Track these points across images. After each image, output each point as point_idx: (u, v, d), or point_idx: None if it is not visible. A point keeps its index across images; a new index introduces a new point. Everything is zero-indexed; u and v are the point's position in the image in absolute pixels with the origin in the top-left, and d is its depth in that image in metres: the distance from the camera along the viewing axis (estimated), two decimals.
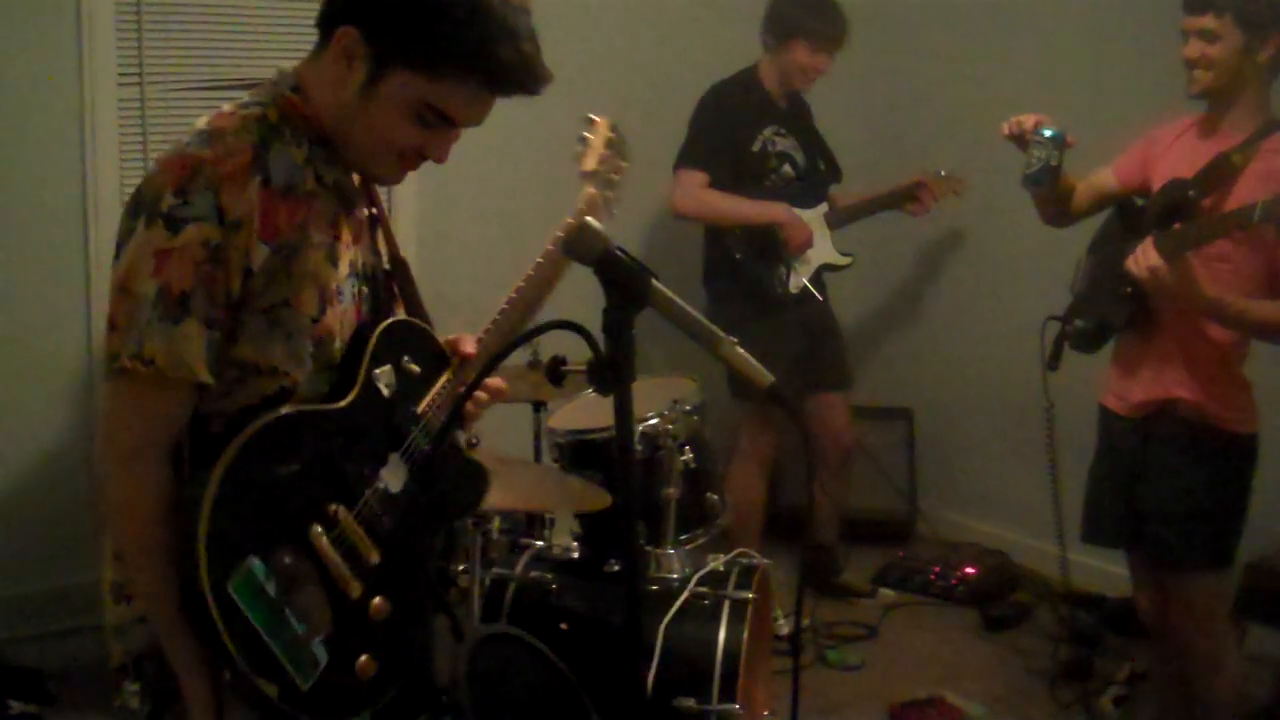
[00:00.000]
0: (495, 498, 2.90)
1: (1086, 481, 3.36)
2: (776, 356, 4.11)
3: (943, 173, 4.68)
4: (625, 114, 4.72)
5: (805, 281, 4.45)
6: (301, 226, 1.81)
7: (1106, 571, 4.20)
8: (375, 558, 1.84)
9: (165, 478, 1.76)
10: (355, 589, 1.80)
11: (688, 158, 4.34)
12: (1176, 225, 2.95)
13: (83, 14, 3.91)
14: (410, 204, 4.53)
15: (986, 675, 4.16)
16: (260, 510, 1.73)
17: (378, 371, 1.92)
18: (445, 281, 4.32)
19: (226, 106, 1.84)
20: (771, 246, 4.37)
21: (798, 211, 4.41)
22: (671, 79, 4.86)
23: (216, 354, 1.76)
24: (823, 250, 4.50)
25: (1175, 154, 3.14)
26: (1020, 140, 3.16)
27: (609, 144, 2.52)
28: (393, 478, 1.91)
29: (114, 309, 1.74)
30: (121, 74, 4.00)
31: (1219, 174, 2.96)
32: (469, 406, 2.05)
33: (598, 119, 2.56)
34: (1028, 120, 3.13)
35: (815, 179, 4.55)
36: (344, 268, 1.91)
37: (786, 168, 4.47)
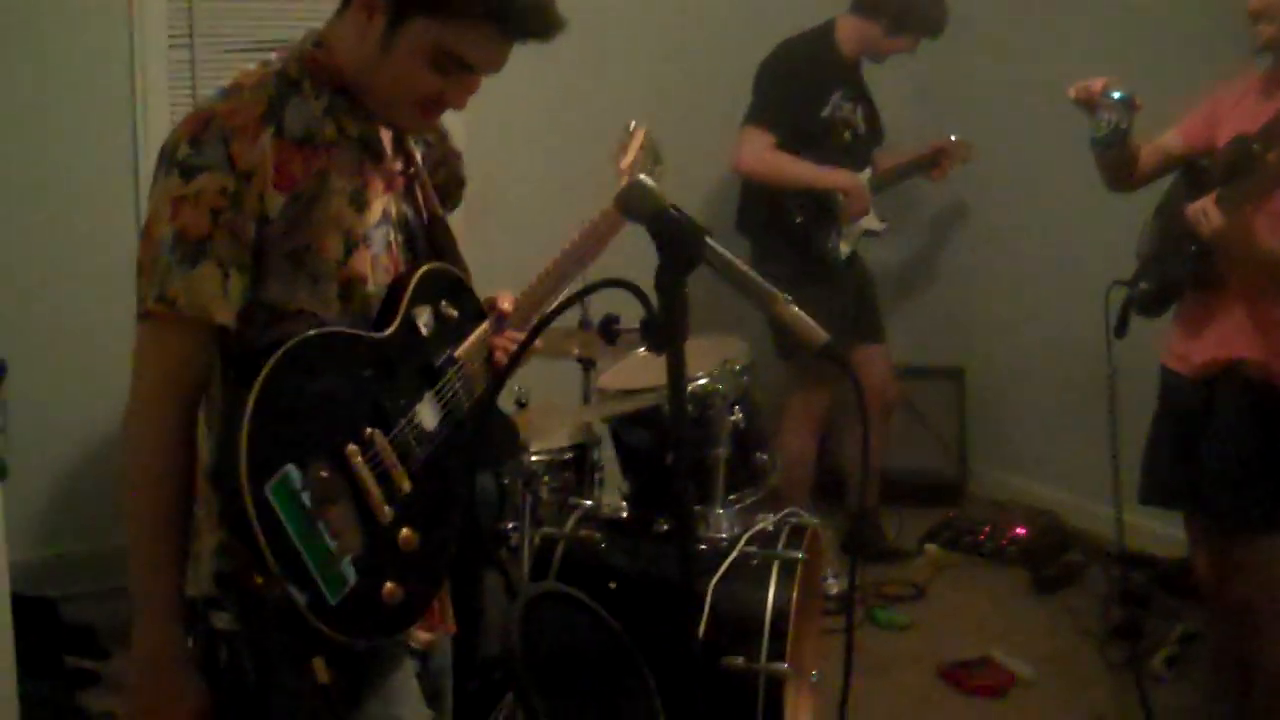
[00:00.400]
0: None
1: (1145, 442, 3.33)
2: (827, 316, 4.09)
3: (955, 137, 4.67)
4: (678, 66, 4.81)
5: (853, 246, 4.44)
6: (321, 174, 1.87)
7: (1158, 532, 4.18)
8: (407, 486, 1.87)
9: (180, 422, 1.82)
10: (386, 514, 1.83)
11: (757, 116, 4.31)
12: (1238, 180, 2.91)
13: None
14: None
15: (1036, 635, 4.15)
16: (299, 421, 1.77)
17: (416, 310, 1.96)
18: (491, 244, 4.33)
19: (253, 65, 1.90)
20: (828, 211, 4.35)
21: (860, 180, 4.39)
22: (728, 31, 4.83)
23: (243, 296, 1.82)
24: (869, 216, 4.48)
25: (1240, 112, 3.08)
26: (1089, 104, 3.11)
27: (644, 148, 2.53)
28: (426, 415, 1.94)
29: (140, 255, 1.81)
30: (173, 35, 4.02)
31: None
32: (499, 356, 2.09)
33: (634, 128, 2.57)
34: (1095, 84, 3.09)
35: (865, 143, 4.52)
36: (373, 214, 1.95)
37: (848, 133, 4.44)
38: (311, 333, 1.80)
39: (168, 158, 1.80)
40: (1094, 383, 3.74)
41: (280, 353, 1.74)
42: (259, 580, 1.72)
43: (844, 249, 4.41)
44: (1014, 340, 5.16)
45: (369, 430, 1.83)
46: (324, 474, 1.76)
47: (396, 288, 1.96)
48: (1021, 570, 4.58)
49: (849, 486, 4.75)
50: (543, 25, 1.86)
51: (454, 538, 1.99)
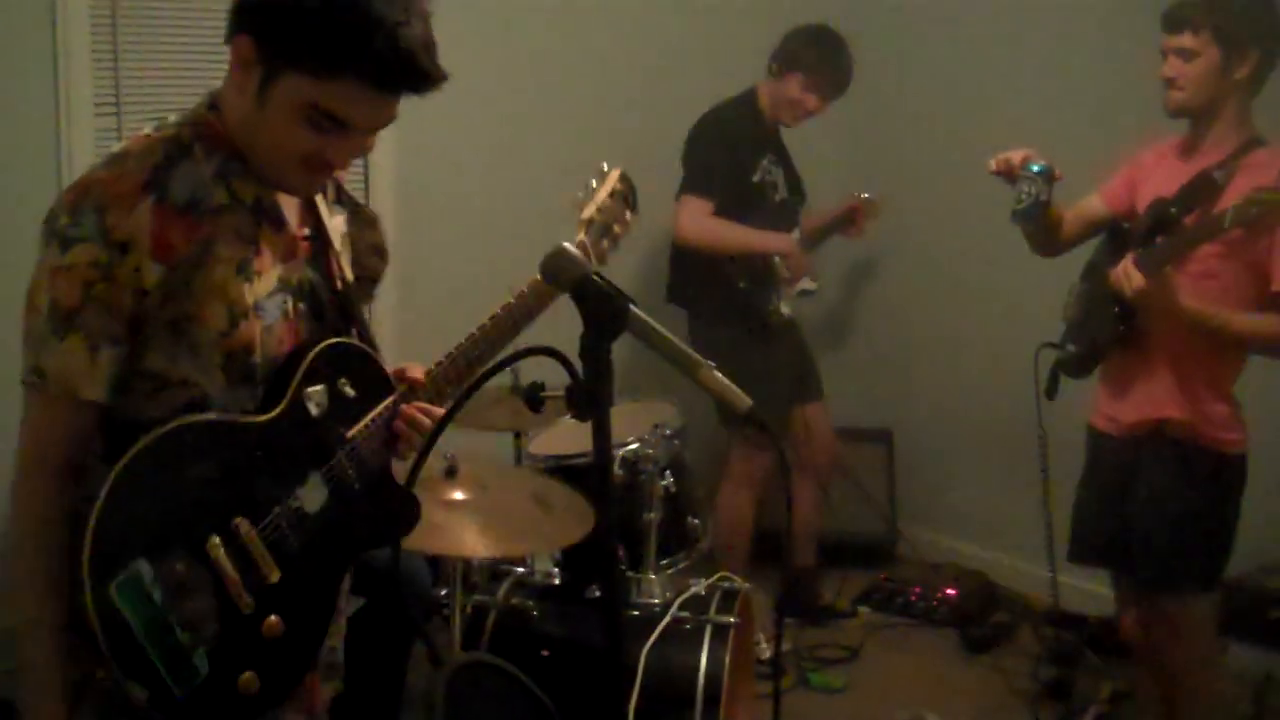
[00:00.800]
0: (476, 544, 2.91)
1: (1074, 501, 3.37)
2: (768, 378, 4.15)
3: (865, 195, 4.75)
4: (610, 133, 4.85)
5: (791, 309, 4.48)
6: (205, 243, 1.84)
7: (1087, 591, 4.21)
8: (275, 576, 1.85)
9: (53, 494, 1.81)
10: (247, 603, 1.80)
11: (693, 185, 4.33)
12: (1157, 241, 2.99)
13: (58, 45, 3.90)
14: (388, 200, 4.51)
15: (968, 695, 4.16)
16: (156, 514, 1.75)
17: (310, 390, 1.92)
18: (420, 282, 4.34)
19: (146, 129, 1.89)
20: (767, 274, 4.40)
21: (796, 243, 4.45)
22: (663, 102, 4.88)
23: (120, 368, 1.80)
24: (806, 280, 4.53)
25: (1159, 175, 3.16)
26: (1009, 176, 3.18)
27: (615, 194, 2.50)
28: (310, 498, 1.91)
29: (25, 325, 1.81)
30: (99, 104, 3.99)
31: (1201, 191, 2.99)
32: (400, 426, 2.07)
33: (609, 169, 2.54)
34: (1015, 156, 3.16)
35: (791, 204, 4.58)
36: (265, 283, 1.92)
37: (778, 196, 4.48)
38: (180, 422, 1.77)
39: (49, 227, 1.79)
40: (1023, 443, 3.79)
41: (140, 445, 1.72)
42: (100, 674, 1.74)
43: (785, 310, 4.45)
44: (942, 401, 5.21)
45: (237, 520, 1.81)
46: (180, 567, 1.74)
47: (289, 365, 1.93)
48: (952, 631, 4.60)
49: (786, 547, 4.74)
50: (417, 80, 1.81)
51: (328, 620, 1.98)
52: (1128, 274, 2.94)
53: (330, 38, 1.75)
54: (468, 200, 4.58)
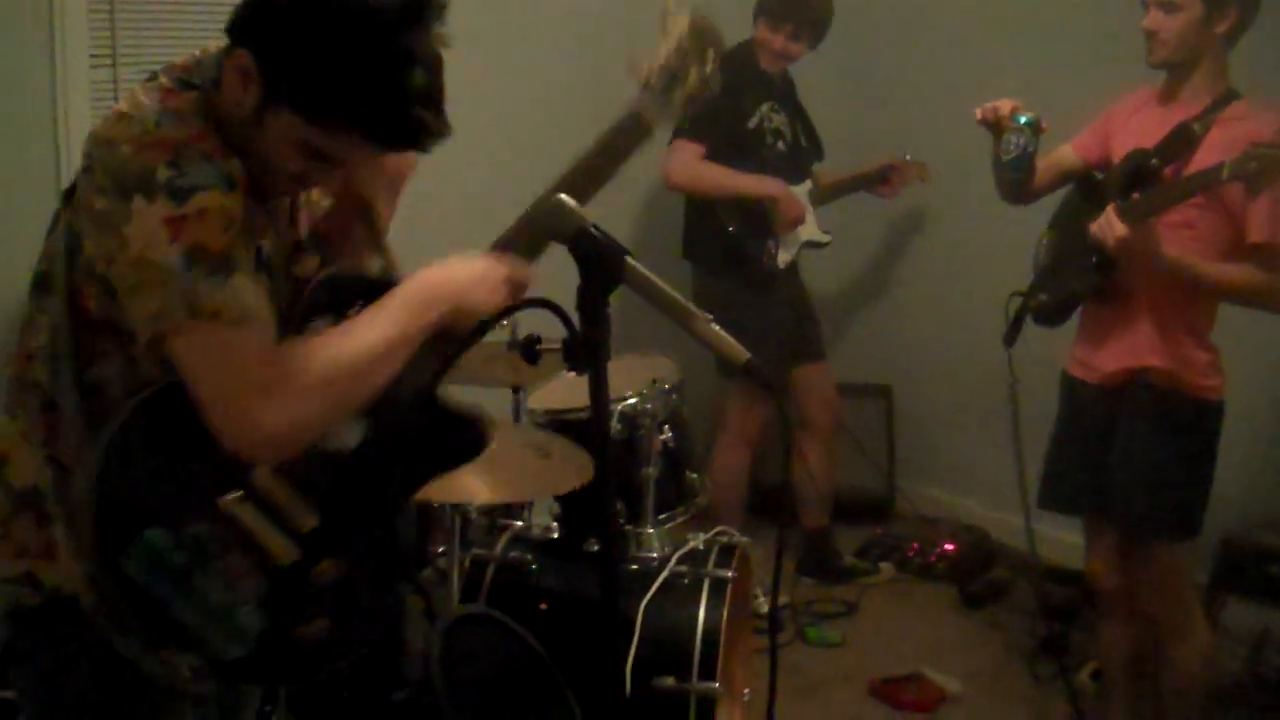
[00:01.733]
0: (479, 490, 2.91)
1: (1048, 449, 3.39)
2: (766, 330, 4.14)
3: (909, 157, 4.71)
4: (609, 80, 4.80)
5: (792, 256, 4.46)
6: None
7: (1083, 547, 4.22)
8: (310, 522, 1.79)
9: None
10: (286, 554, 1.76)
11: (685, 129, 4.28)
12: (1137, 194, 2.99)
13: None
14: None
15: (965, 651, 4.18)
16: (161, 478, 1.69)
17: (316, 323, 1.85)
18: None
19: (165, 82, 1.79)
20: (762, 221, 4.37)
21: (791, 189, 4.42)
22: None
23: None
24: (808, 227, 4.50)
25: (1135, 125, 3.17)
26: (995, 126, 3.18)
27: (691, 36, 2.06)
28: (344, 434, 1.84)
29: (140, 279, 1.69)
30: (94, 56, 3.97)
31: (1180, 143, 3.00)
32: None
33: (674, 12, 2.09)
34: (1004, 106, 3.16)
35: (801, 155, 4.56)
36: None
37: (780, 144, 4.46)
38: (172, 379, 1.69)
39: (141, 183, 1.68)
40: (1019, 399, 3.79)
41: (132, 404, 1.67)
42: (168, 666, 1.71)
43: (782, 258, 4.43)
44: (937, 356, 5.20)
45: (253, 472, 1.76)
46: (201, 527, 1.70)
47: (290, 308, 1.87)
48: (950, 586, 4.62)
49: (801, 507, 4.75)
50: (420, 140, 1.78)
51: (397, 558, 1.92)
52: (1110, 224, 2.95)
53: (331, 90, 1.71)
54: (465, 189, 4.55)
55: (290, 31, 1.72)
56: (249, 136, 1.78)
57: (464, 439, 1.96)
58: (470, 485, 2.88)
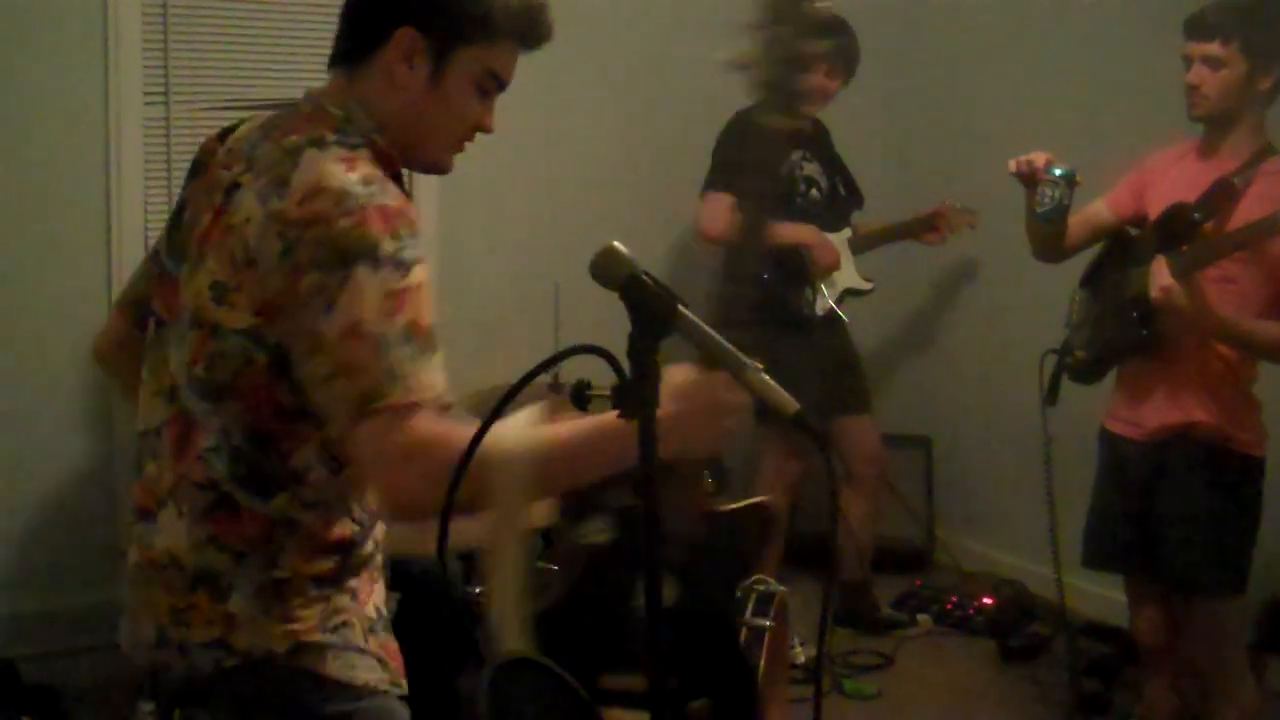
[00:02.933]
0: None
1: (1090, 507, 3.37)
2: (804, 380, 4.10)
3: (958, 205, 4.69)
4: (645, 135, 4.85)
5: (831, 304, 4.44)
6: None
7: (1123, 602, 4.17)
8: None
9: None
10: None
11: (714, 181, 4.31)
12: (1184, 247, 2.98)
13: (109, 34, 3.94)
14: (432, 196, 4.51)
15: (1003, 706, 4.13)
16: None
17: None
18: (461, 278, 4.35)
19: (338, 150, 1.80)
20: (798, 268, 4.36)
21: (825, 235, 4.41)
22: (694, 103, 4.88)
23: None
24: (847, 274, 4.50)
25: (1173, 179, 3.17)
26: (1030, 179, 3.17)
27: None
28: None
29: (350, 355, 1.69)
30: (147, 93, 4.02)
31: (1221, 196, 3.00)
32: None
33: None
34: (1038, 159, 3.15)
35: (839, 203, 4.56)
36: None
37: (813, 192, 4.46)
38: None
39: (360, 252, 1.69)
40: (1060, 454, 3.76)
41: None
42: None
43: (820, 305, 4.42)
44: (978, 408, 5.18)
45: None
46: None
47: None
48: (988, 640, 4.57)
49: (840, 559, 4.70)
50: (549, 32, 1.97)
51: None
52: (1160, 277, 2.94)
53: (490, 9, 1.87)
54: (509, 196, 4.58)
55: None
56: (425, 119, 1.90)
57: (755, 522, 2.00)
58: (540, 512, 2.88)
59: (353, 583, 1.95)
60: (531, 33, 1.93)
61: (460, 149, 1.99)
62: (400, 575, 3.06)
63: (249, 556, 1.85)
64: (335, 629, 1.90)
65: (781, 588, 3.31)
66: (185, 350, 1.84)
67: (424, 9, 1.86)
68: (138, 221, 4.03)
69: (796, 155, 4.42)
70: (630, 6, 4.80)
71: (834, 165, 4.58)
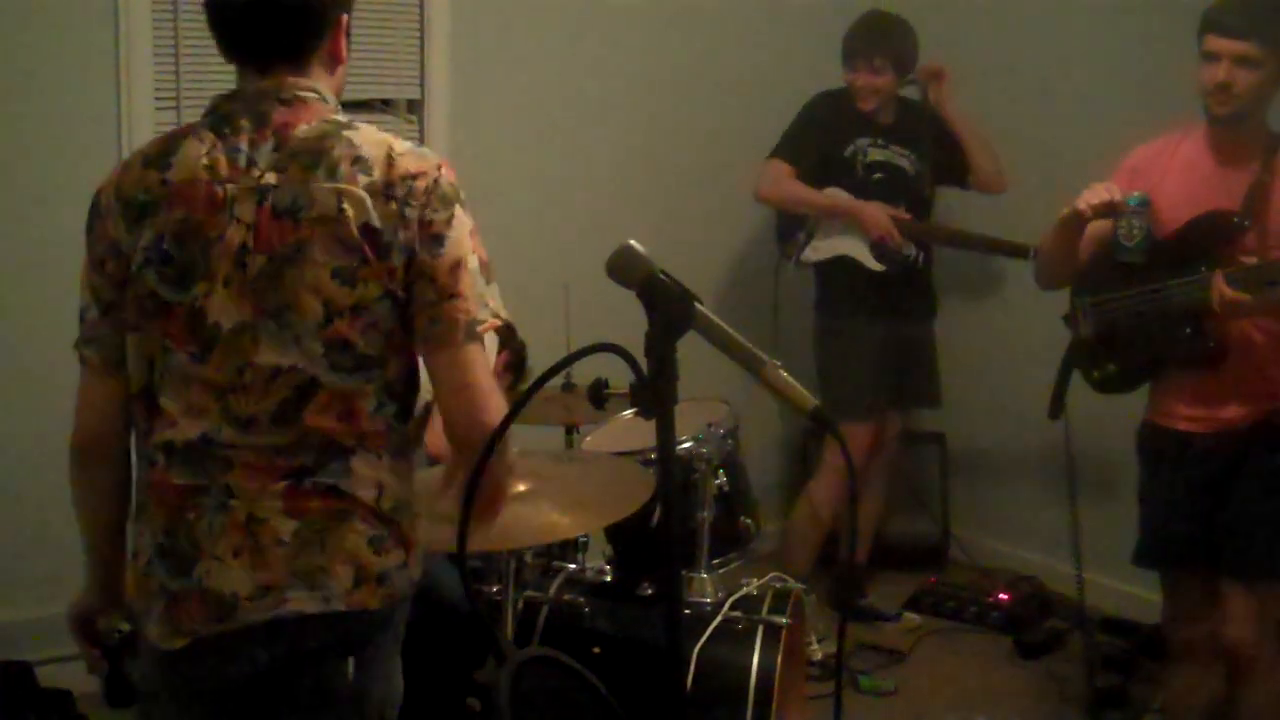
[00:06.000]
0: (535, 527, 2.90)
1: (1146, 505, 3.31)
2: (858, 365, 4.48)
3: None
4: (655, 135, 4.86)
5: (823, 259, 4.56)
6: None
7: (1140, 597, 4.17)
8: None
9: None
10: None
11: (779, 149, 4.52)
12: (1244, 259, 2.96)
13: (121, 41, 3.95)
14: None
15: (1021, 702, 4.13)
16: None
17: None
18: None
19: (362, 125, 2.03)
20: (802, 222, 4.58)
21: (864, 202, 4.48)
22: (704, 102, 4.89)
23: None
24: (849, 242, 4.52)
25: (1184, 181, 3.11)
26: (1111, 211, 3.11)
27: None
28: None
29: (459, 282, 1.96)
30: (158, 98, 4.03)
31: (1259, 199, 2.96)
32: None
33: None
34: (1114, 193, 3.09)
35: (911, 185, 4.60)
36: None
37: (878, 175, 4.53)
38: None
39: (454, 196, 1.99)
40: (1075, 448, 3.75)
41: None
42: None
43: (810, 255, 4.59)
44: (992, 404, 5.17)
45: None
46: None
47: None
48: (1005, 636, 4.56)
49: (848, 547, 4.78)
50: None
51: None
52: (1222, 293, 2.91)
53: None
54: (517, 198, 4.58)
55: None
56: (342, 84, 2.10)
57: None
58: (555, 521, 2.87)
59: None
60: None
61: None
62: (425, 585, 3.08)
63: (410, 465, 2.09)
64: None
65: (798, 585, 3.32)
66: (308, 342, 1.93)
67: None
68: None
69: (862, 141, 4.51)
70: (641, 5, 4.80)
71: (913, 151, 4.60)
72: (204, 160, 1.95)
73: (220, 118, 1.99)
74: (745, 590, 3.23)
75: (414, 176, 1.94)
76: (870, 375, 4.49)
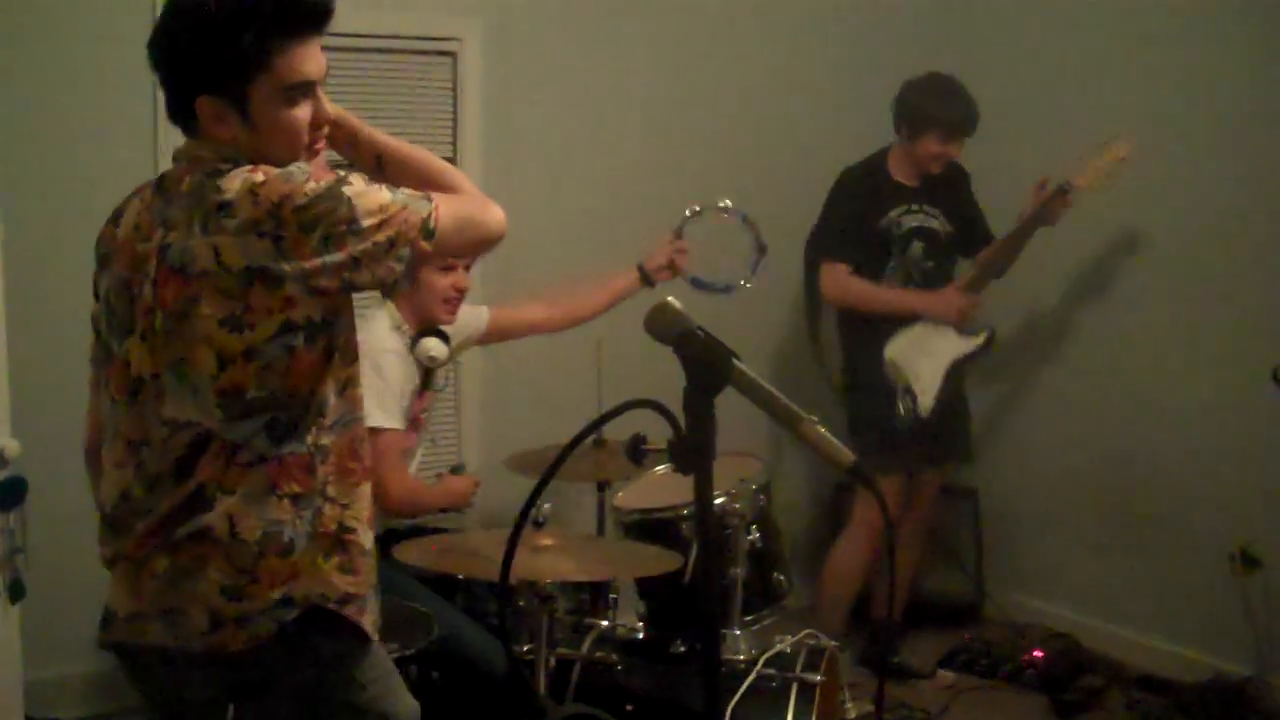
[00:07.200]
0: (563, 569, 2.92)
1: None
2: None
3: (1047, 185, 4.38)
4: (686, 185, 4.88)
5: (933, 400, 4.47)
6: None
7: (1177, 655, 4.13)
8: None
9: None
10: None
11: (827, 248, 4.52)
12: None
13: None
14: None
15: None
16: None
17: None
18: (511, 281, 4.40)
19: (238, 169, 1.99)
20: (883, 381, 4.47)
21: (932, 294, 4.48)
22: (728, 145, 4.92)
23: None
24: (951, 343, 4.51)
25: None
26: None
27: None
28: None
29: (392, 217, 2.00)
30: None
31: None
32: None
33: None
34: None
35: (950, 250, 4.59)
36: None
37: (917, 245, 4.50)
38: None
39: (337, 183, 1.98)
40: (1103, 502, 3.73)
41: None
42: None
43: (923, 405, 4.49)
44: (1029, 460, 5.14)
45: None
46: None
47: None
48: (1040, 695, 4.51)
49: (874, 596, 4.76)
50: (317, 7, 2.01)
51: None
52: None
53: (246, 39, 1.94)
54: (547, 257, 4.60)
55: (191, 46, 1.97)
56: (262, 154, 2.02)
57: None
58: (567, 567, 2.90)
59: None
60: (296, 26, 1.99)
61: (315, 149, 2.10)
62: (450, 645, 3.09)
63: (303, 498, 2.03)
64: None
65: (833, 643, 3.30)
66: (202, 393, 1.98)
67: (201, 76, 1.98)
68: None
69: (895, 213, 4.47)
70: (673, 62, 4.86)
71: (959, 209, 4.59)
72: (134, 220, 2.07)
73: (163, 175, 2.10)
74: (779, 648, 3.21)
75: (279, 204, 1.92)
76: (901, 430, 4.47)
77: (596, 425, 1.63)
